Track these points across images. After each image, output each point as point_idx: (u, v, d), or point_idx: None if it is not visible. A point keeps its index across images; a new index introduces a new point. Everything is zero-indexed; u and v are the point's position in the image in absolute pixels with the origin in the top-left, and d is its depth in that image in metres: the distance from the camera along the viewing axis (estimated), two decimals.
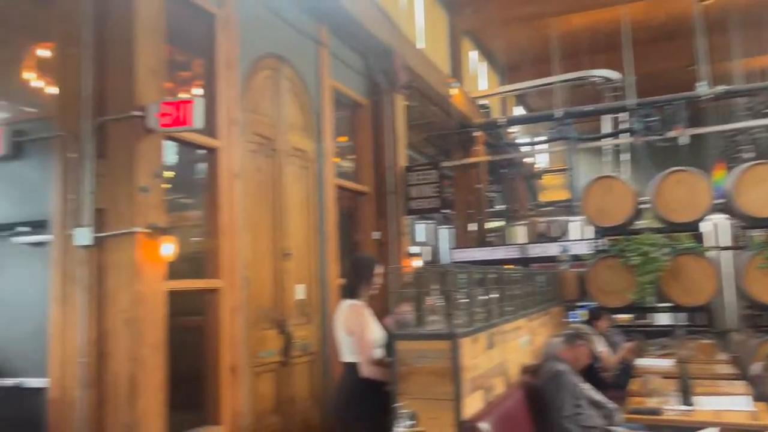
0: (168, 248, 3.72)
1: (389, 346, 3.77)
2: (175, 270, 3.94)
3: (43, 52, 5.31)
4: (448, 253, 10.84)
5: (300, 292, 5.40)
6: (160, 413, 3.67)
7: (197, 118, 3.65)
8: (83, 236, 3.66)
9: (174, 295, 3.88)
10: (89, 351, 3.64)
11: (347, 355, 3.93)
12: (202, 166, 4.88)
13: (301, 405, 5.24)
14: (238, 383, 4.45)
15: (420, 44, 8.95)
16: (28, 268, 4.12)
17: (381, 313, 4.31)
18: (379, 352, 3.87)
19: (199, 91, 5.43)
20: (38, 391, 3.79)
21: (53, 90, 4.26)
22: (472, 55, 12.44)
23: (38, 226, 3.97)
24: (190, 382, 4.31)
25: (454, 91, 9.02)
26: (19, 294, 4.16)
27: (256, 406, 4.68)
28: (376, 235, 6.89)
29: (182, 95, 5.57)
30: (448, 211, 10.36)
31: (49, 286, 3.78)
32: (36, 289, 3.92)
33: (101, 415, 3.60)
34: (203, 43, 4.62)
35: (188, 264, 4.46)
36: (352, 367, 3.83)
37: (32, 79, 5.36)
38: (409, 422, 2.63)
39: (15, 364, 4.10)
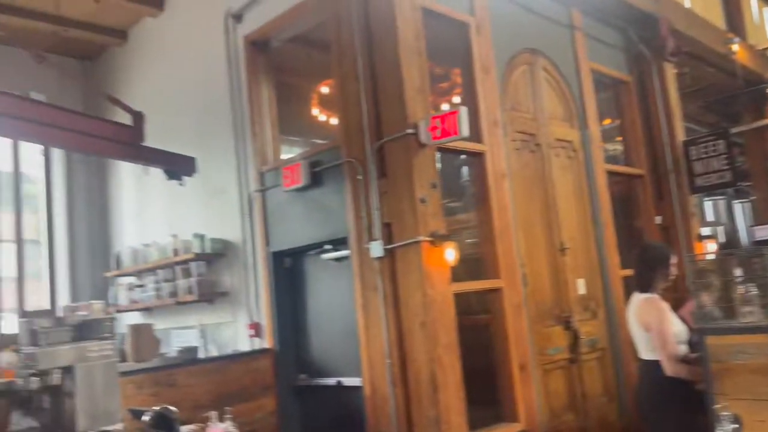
0: (450, 253, 3.92)
1: (692, 342, 3.44)
2: (455, 272, 4.12)
3: (325, 90, 6.05)
4: (746, 232, 9.51)
5: (581, 286, 5.23)
6: (460, 409, 3.87)
7: (464, 127, 3.79)
8: (376, 249, 4.06)
9: (456, 296, 4.07)
10: (392, 353, 4.00)
11: (646, 353, 3.67)
12: (467, 170, 5.05)
13: (595, 402, 5.06)
14: (529, 380, 4.48)
15: (687, 3, 8.04)
16: (336, 280, 4.70)
17: (675, 306, 3.95)
18: (683, 348, 3.55)
19: (459, 100, 5.64)
20: (355, 389, 4.29)
21: (337, 121, 4.81)
22: (752, 2, 10.76)
23: (339, 243, 4.51)
24: (481, 378, 4.45)
25: (735, 48, 7.89)
26: (331, 303, 4.77)
27: (549, 404, 4.65)
28: (658, 219, 6.35)
29: (444, 106, 5.85)
30: (743, 183, 9.08)
31: (354, 295, 4.27)
32: (344, 298, 4.46)
33: (409, 410, 3.93)
34: (459, 52, 4.78)
35: (466, 265, 4.63)
36: (653, 365, 3.57)
37: (319, 114, 6.16)
38: (732, 426, 2.36)
39: (335, 365, 4.71)
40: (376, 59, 4.19)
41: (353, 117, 4.28)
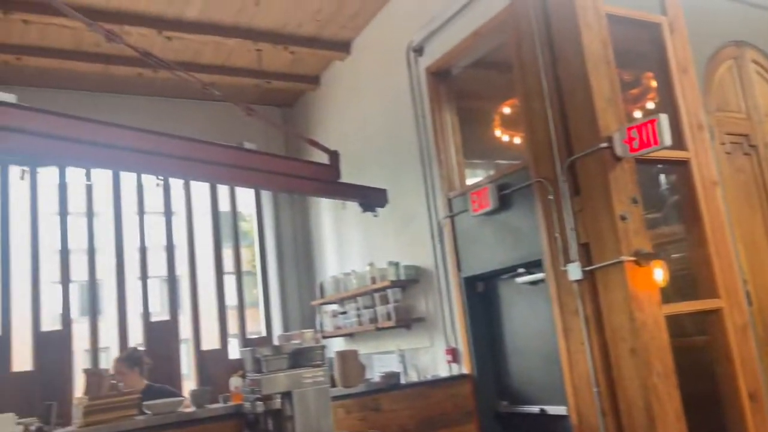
0: (658, 273, 3.62)
1: None
2: (663, 292, 3.78)
3: (507, 110, 5.99)
4: None
5: None
6: None
7: (665, 136, 3.51)
8: (574, 271, 3.88)
9: (666, 317, 3.73)
10: (599, 380, 3.78)
11: None
12: (666, 177, 4.65)
13: None
14: (762, 412, 3.95)
15: None
16: (532, 304, 4.57)
17: None
18: None
19: (653, 105, 5.24)
20: (561, 418, 4.11)
21: (523, 141, 4.72)
22: None
23: (533, 266, 4.39)
24: (704, 408, 4.02)
25: None
26: (529, 328, 4.65)
27: None
28: None
29: (636, 113, 5.47)
30: None
31: (553, 319, 4.11)
32: (542, 323, 4.32)
33: None
34: (651, 54, 4.46)
35: (675, 283, 4.23)
36: None
37: (502, 135, 6.10)
38: None
39: (537, 392, 4.56)
40: (561, 74, 4.06)
41: (540, 135, 4.18)
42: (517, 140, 6.26)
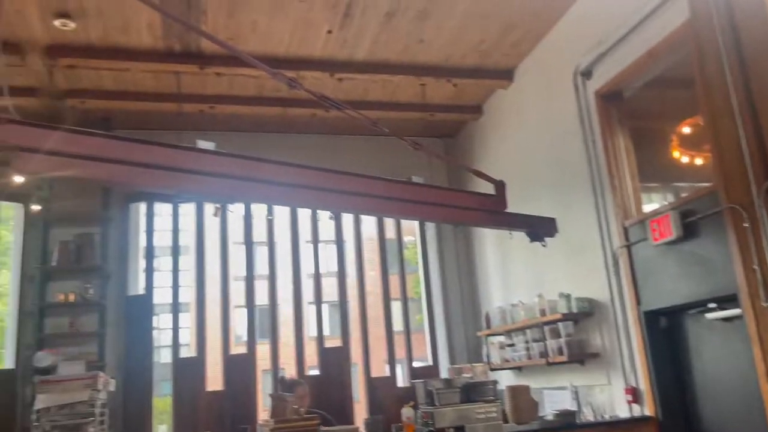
0: None
1: None
2: None
3: (686, 129, 5.55)
4: None
5: None
6: None
7: None
8: None
9: None
10: None
11: None
12: None
13: None
14: None
15: None
16: (727, 343, 4.13)
17: None
18: None
19: None
20: None
21: (708, 163, 4.33)
22: None
23: (726, 300, 3.97)
24: None
25: None
26: (724, 369, 4.20)
27: None
28: None
29: None
30: None
31: (753, 361, 3.68)
32: (740, 364, 3.89)
33: None
34: None
35: None
36: None
37: (680, 156, 5.65)
38: None
39: None
40: (755, 89, 3.68)
41: (731, 157, 3.80)
42: (699, 161, 5.76)
